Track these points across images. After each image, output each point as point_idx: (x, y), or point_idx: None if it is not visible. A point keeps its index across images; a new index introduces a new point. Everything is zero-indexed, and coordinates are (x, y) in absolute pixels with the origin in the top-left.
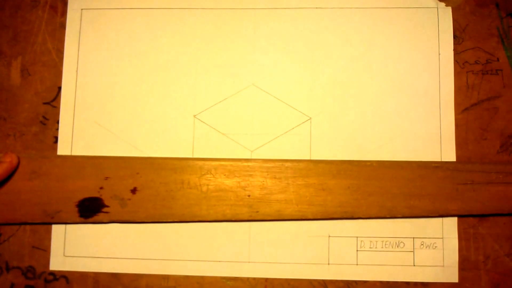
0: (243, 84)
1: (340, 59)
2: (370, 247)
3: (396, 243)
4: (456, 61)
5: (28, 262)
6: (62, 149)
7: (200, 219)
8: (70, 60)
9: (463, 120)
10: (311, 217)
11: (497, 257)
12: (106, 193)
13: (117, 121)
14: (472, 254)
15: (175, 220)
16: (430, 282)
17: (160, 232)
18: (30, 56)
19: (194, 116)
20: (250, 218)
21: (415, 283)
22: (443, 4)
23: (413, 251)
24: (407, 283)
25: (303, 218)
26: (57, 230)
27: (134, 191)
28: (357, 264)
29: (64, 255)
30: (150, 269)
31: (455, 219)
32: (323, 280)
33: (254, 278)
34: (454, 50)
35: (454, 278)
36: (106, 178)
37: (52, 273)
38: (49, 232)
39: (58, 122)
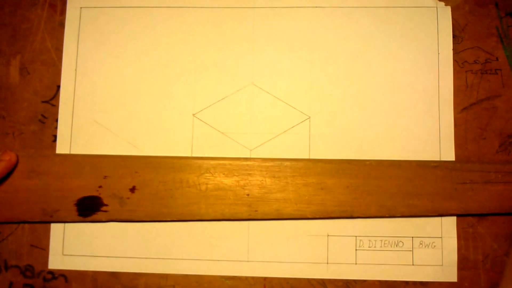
0: (242, 83)
1: (339, 58)
2: (369, 247)
3: (395, 242)
4: (455, 61)
5: (26, 261)
6: (61, 147)
7: (199, 218)
8: (69, 59)
9: (462, 119)
10: (310, 216)
11: (496, 257)
12: (105, 192)
13: (116, 120)
14: (471, 254)
15: (174, 219)
16: (429, 281)
17: (159, 231)
18: (29, 54)
19: (193, 115)
20: (249, 217)
21: (414, 283)
22: (442, 3)
23: (412, 251)
24: (406, 282)
25: (302, 217)
26: (55, 229)
27: (133, 190)
28: (356, 264)
29: (62, 254)
30: (149, 268)
31: (454, 218)
32: (322, 279)
33: (253, 277)
34: (453, 49)
35: (453, 278)
36: (105, 177)
37: (51, 272)
38: (47, 231)
39: (57, 121)
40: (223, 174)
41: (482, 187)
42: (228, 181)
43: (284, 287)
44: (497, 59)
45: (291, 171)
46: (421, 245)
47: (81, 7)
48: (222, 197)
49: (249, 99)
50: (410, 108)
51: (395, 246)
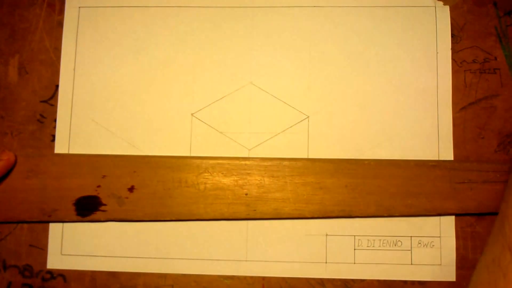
0: (240, 83)
1: (337, 58)
2: (368, 246)
3: (393, 241)
4: (453, 60)
5: (25, 261)
6: (59, 147)
7: (198, 217)
8: (68, 58)
9: (461, 119)
10: (309, 216)
11: None
12: (103, 192)
13: (115, 120)
14: (469, 253)
15: (173, 219)
16: (427, 280)
17: (158, 230)
18: (27, 54)
19: (192, 114)
20: (248, 217)
21: (413, 282)
22: (440, 3)
23: (411, 250)
24: (405, 281)
25: (301, 216)
26: (54, 228)
27: (131, 189)
28: (354, 263)
29: (61, 254)
30: (148, 267)
31: (453, 217)
32: (321, 279)
33: (251, 277)
34: (451, 49)
35: (452, 277)
36: (104, 177)
37: (50, 272)
38: (46, 231)
39: (55, 121)
40: (222, 173)
41: (481, 186)
42: (227, 180)
43: (283, 286)
44: (495, 58)
45: (290, 171)
46: (419, 245)
47: (79, 7)
48: (221, 196)
49: (247, 98)
50: (408, 108)
51: (394, 245)
